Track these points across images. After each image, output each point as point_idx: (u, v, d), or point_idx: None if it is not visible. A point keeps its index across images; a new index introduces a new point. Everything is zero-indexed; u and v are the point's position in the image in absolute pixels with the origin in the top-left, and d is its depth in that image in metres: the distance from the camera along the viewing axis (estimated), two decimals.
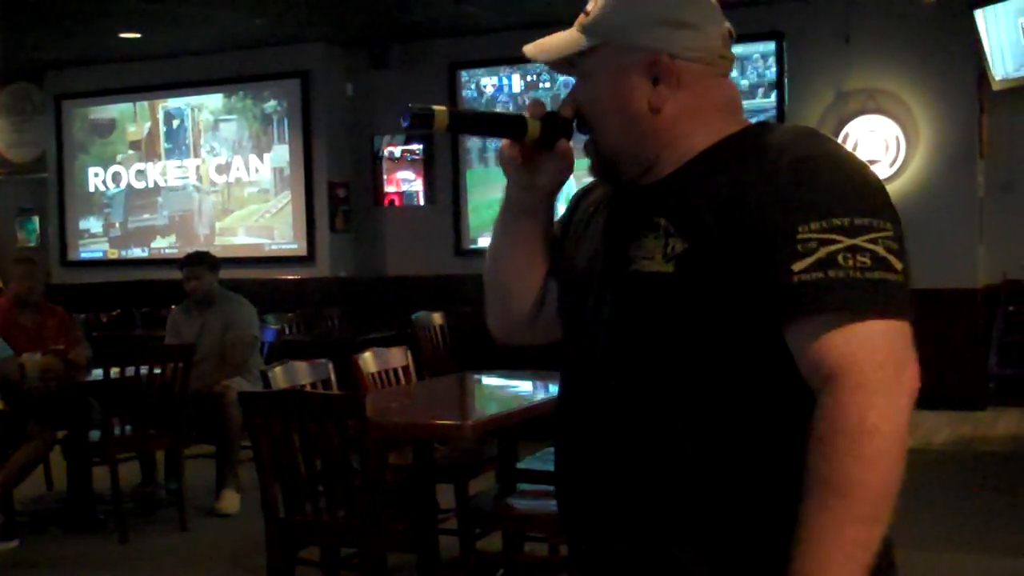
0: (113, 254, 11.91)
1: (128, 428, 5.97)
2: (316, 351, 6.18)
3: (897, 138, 9.21)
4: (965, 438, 8.02)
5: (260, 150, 11.14)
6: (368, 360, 4.89)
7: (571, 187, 1.81)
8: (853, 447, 1.34)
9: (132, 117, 11.76)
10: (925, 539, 5.34)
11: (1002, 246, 9.30)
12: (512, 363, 5.71)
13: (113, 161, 11.86)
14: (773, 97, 9.44)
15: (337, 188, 10.90)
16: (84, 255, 12.06)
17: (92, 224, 12.01)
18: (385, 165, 10.90)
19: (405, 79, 10.61)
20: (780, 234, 1.41)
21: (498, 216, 1.80)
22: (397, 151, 10.84)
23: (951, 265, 8.95)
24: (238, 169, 11.24)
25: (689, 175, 1.56)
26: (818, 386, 1.39)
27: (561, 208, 1.82)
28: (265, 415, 3.98)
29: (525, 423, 4.28)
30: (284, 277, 10.76)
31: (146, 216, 11.69)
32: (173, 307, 7.14)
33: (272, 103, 11.04)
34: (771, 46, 9.45)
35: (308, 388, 4.53)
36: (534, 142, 1.66)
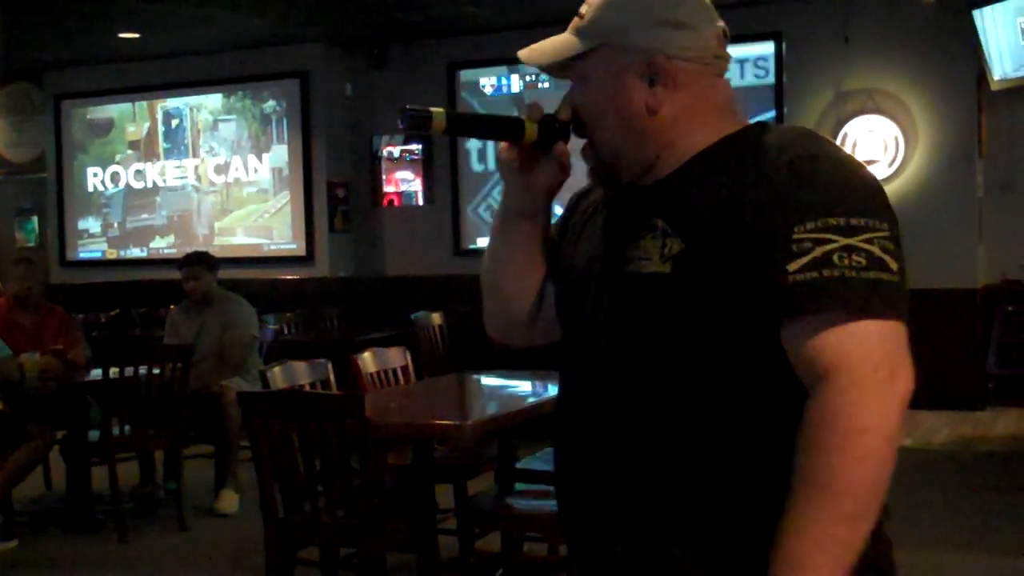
0: (112, 254, 11.90)
1: (127, 428, 5.97)
2: (315, 351, 6.18)
3: (896, 138, 9.21)
4: (964, 438, 8.02)
5: (259, 150, 11.14)
6: (367, 360, 4.90)
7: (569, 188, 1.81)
8: (843, 445, 1.35)
9: (131, 117, 11.75)
10: (924, 539, 5.34)
11: (1001, 246, 9.30)
12: (511, 363, 5.72)
13: (112, 161, 11.85)
14: (772, 97, 9.44)
15: (336, 188, 10.90)
16: (83, 255, 12.05)
17: (91, 224, 12.00)
18: (384, 165, 10.90)
19: (404, 79, 10.61)
20: (776, 234, 1.42)
21: (496, 218, 1.80)
22: (396, 151, 10.84)
23: (950, 265, 8.95)
24: (237, 169, 11.23)
25: (687, 176, 1.56)
26: (811, 384, 1.39)
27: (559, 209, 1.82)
28: (264, 415, 3.98)
29: (524, 423, 4.28)
30: (283, 277, 10.75)
31: (145, 216, 11.69)
32: (172, 307, 7.13)
33: (271, 103, 11.04)
34: (770, 46, 9.45)
35: (307, 388, 4.53)
36: (531, 145, 1.66)
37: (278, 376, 4.47)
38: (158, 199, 11.62)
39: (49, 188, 12.21)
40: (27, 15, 9.36)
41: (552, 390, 4.28)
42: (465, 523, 4.37)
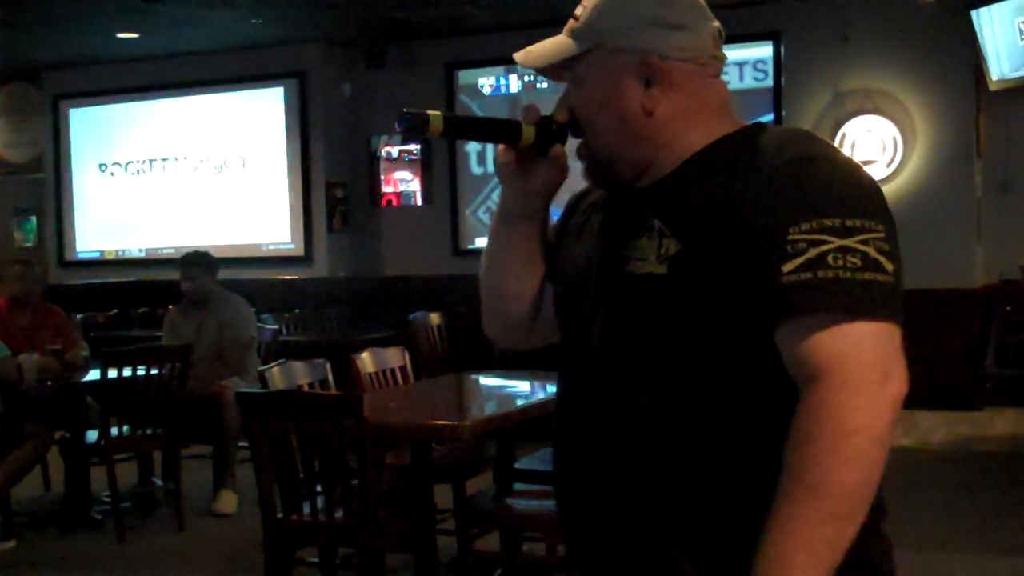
0: (110, 254, 11.91)
1: (125, 428, 5.97)
2: (313, 351, 6.19)
3: (894, 138, 9.22)
4: (962, 438, 8.03)
5: (257, 150, 11.13)
6: (366, 360, 4.90)
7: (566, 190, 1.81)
8: (832, 446, 1.34)
9: (129, 117, 11.75)
10: (921, 539, 5.35)
11: (999, 246, 9.31)
12: (510, 363, 5.73)
13: (110, 161, 11.85)
14: (771, 99, 9.45)
15: (334, 188, 10.90)
16: (81, 255, 12.06)
17: (89, 224, 12.00)
18: (382, 165, 10.91)
19: (402, 79, 10.61)
20: (771, 235, 1.42)
21: (493, 220, 1.80)
22: (394, 151, 10.85)
23: (948, 265, 8.96)
24: (235, 169, 11.23)
25: (684, 176, 1.56)
26: (804, 385, 1.39)
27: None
28: (263, 415, 3.98)
29: (523, 423, 4.29)
30: (281, 277, 10.75)
31: (143, 216, 11.68)
32: (170, 307, 7.13)
33: (270, 103, 11.03)
34: (768, 46, 9.45)
35: (306, 388, 4.53)
36: (528, 147, 1.66)
37: (276, 376, 4.47)
38: (156, 199, 11.61)
39: (47, 188, 12.21)
40: (25, 15, 9.36)
41: (550, 390, 4.28)
42: (464, 523, 4.37)
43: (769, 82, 9.49)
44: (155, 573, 5.42)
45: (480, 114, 10.10)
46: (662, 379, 1.50)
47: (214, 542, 5.80)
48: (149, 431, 5.99)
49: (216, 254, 7.05)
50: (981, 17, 8.32)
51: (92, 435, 6.00)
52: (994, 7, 8.23)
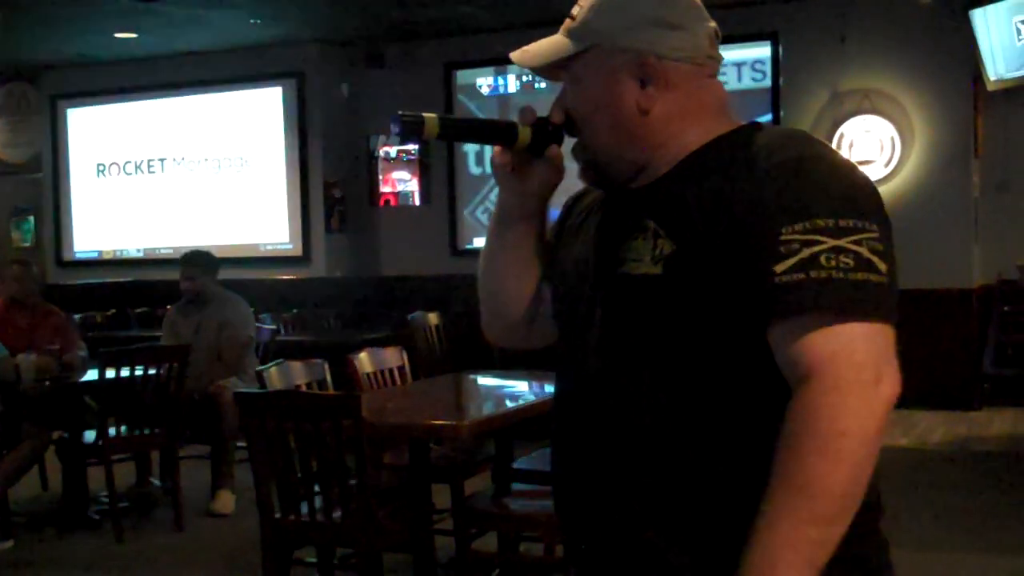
0: (108, 254, 11.91)
1: (123, 428, 5.97)
2: (311, 351, 6.19)
3: (892, 138, 9.23)
4: (960, 438, 8.04)
5: (256, 150, 11.13)
6: (364, 360, 4.89)
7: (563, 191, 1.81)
8: (821, 447, 1.34)
9: (128, 117, 11.75)
10: (919, 538, 5.35)
11: (997, 246, 9.32)
12: (508, 363, 5.73)
13: (108, 161, 11.85)
14: (769, 99, 9.45)
15: (333, 188, 10.91)
16: (79, 255, 12.06)
17: (87, 224, 12.00)
18: (381, 165, 10.91)
19: (401, 79, 10.61)
20: (764, 235, 1.41)
21: (491, 222, 1.81)
22: (393, 151, 10.85)
23: (946, 265, 8.97)
24: (234, 169, 11.24)
25: (679, 177, 1.56)
26: (795, 385, 1.38)
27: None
28: (261, 415, 3.98)
29: (521, 423, 4.29)
30: (279, 277, 10.75)
31: (141, 216, 11.69)
32: (168, 307, 7.13)
33: (268, 103, 11.03)
34: (767, 46, 9.46)
35: (304, 388, 4.53)
36: (524, 148, 1.66)
37: (275, 376, 4.47)
38: (154, 199, 11.62)
39: (45, 188, 12.21)
40: (23, 15, 9.36)
41: (548, 390, 4.29)
42: (462, 523, 4.37)
43: (767, 82, 9.49)
44: (153, 573, 5.42)
45: (478, 114, 10.11)
46: (658, 379, 1.50)
47: (212, 542, 5.79)
48: (147, 431, 5.99)
49: (214, 254, 7.05)
50: (979, 17, 8.32)
51: (90, 435, 6.00)
52: (992, 7, 8.24)
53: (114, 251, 11.88)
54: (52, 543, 5.91)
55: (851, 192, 1.45)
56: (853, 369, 1.35)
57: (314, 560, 4.49)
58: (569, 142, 1.67)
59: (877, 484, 1.45)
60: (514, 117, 1.68)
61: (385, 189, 10.92)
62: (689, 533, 1.49)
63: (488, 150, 1.73)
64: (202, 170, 11.39)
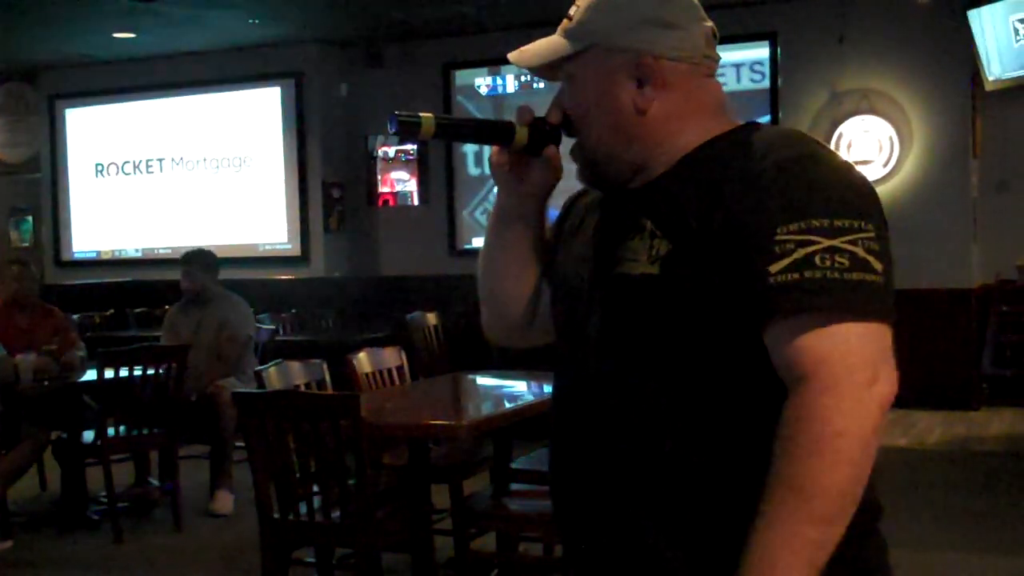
0: (107, 254, 11.90)
1: (122, 429, 5.97)
2: (310, 351, 6.19)
3: (891, 138, 9.23)
4: (959, 438, 8.04)
5: (254, 150, 11.13)
6: (362, 360, 4.89)
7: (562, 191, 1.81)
8: (817, 448, 1.34)
9: (126, 117, 11.75)
10: (919, 539, 5.35)
11: (996, 246, 9.32)
12: (507, 363, 5.72)
13: (107, 161, 11.85)
14: (767, 98, 9.46)
15: (331, 188, 10.91)
16: (78, 255, 12.06)
17: (86, 224, 12.00)
18: (379, 165, 10.90)
19: (399, 79, 10.61)
20: (759, 235, 1.41)
21: (490, 221, 1.81)
22: (391, 151, 10.84)
23: (945, 265, 8.98)
24: (232, 169, 11.23)
25: (676, 176, 1.56)
26: (791, 386, 1.38)
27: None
28: (259, 415, 3.98)
29: (520, 423, 4.28)
30: (278, 277, 10.75)
31: (140, 216, 11.68)
32: (166, 307, 7.14)
33: (266, 103, 11.03)
34: (765, 48, 9.46)
35: (302, 388, 4.53)
36: (522, 148, 1.66)
37: (273, 376, 4.47)
38: (152, 199, 11.61)
39: (44, 188, 12.21)
40: (22, 15, 9.36)
41: (547, 390, 4.28)
42: (461, 523, 4.37)
43: (766, 83, 9.49)
44: (152, 573, 5.42)
45: (477, 114, 10.11)
46: (656, 379, 1.50)
47: (211, 542, 5.79)
48: (146, 431, 5.98)
49: (215, 254, 7.05)
50: (977, 17, 8.32)
51: (89, 435, 6.00)
52: (990, 7, 8.24)
53: (113, 251, 11.87)
54: (51, 543, 5.91)
55: (847, 192, 1.45)
56: (848, 369, 1.35)
57: (313, 560, 4.49)
58: (568, 142, 1.67)
59: (875, 484, 1.45)
60: (511, 117, 1.68)
61: (384, 189, 10.91)
62: (686, 532, 1.49)
63: (487, 151, 1.73)
64: (201, 170, 11.39)
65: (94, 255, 11.96)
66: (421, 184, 10.79)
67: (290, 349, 7.04)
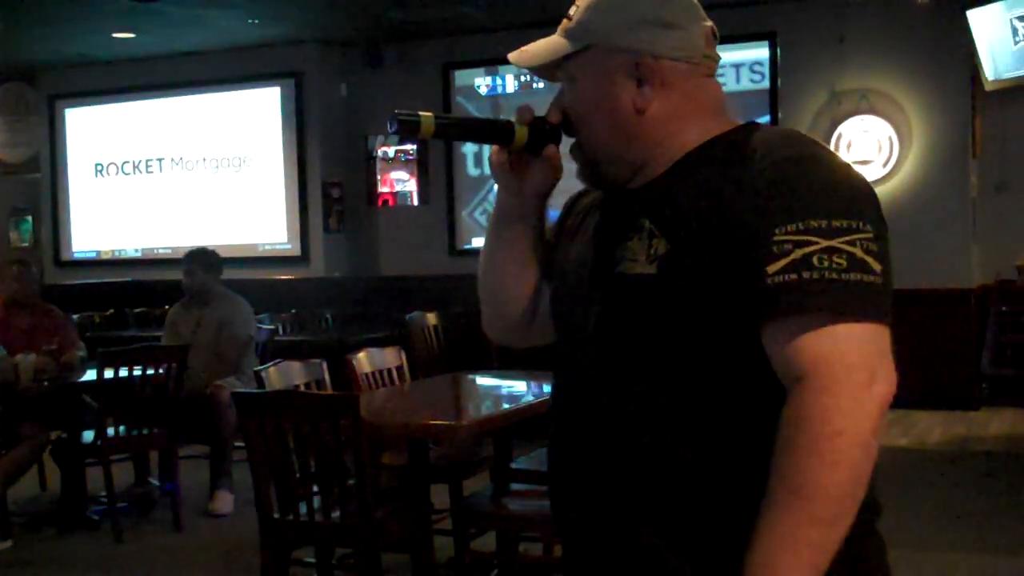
0: (107, 254, 11.91)
1: (122, 429, 5.97)
2: (310, 351, 6.19)
3: (890, 138, 9.23)
4: (959, 438, 8.04)
5: (254, 150, 11.13)
6: (362, 360, 4.89)
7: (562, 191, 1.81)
8: (815, 449, 1.34)
9: (125, 117, 11.75)
10: (919, 539, 5.35)
11: (995, 246, 9.32)
12: (507, 363, 5.73)
13: (106, 161, 11.85)
14: (767, 99, 9.46)
15: (331, 188, 10.91)
16: (78, 255, 12.06)
17: (85, 224, 12.00)
18: (379, 165, 10.91)
19: (399, 79, 10.62)
20: (757, 236, 1.41)
21: (490, 221, 1.81)
22: (391, 151, 10.85)
23: (944, 265, 8.98)
24: (232, 169, 11.23)
25: (675, 176, 1.56)
26: (789, 387, 1.38)
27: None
28: (259, 415, 3.98)
29: (519, 423, 4.28)
30: (278, 277, 10.75)
31: (139, 216, 11.68)
32: (166, 307, 7.14)
33: (266, 103, 11.03)
34: (765, 48, 9.46)
35: (302, 388, 4.53)
36: (521, 148, 1.66)
37: (273, 376, 4.47)
38: (152, 199, 11.61)
39: (43, 188, 12.21)
40: (21, 15, 9.35)
41: (547, 390, 4.28)
42: (460, 523, 4.37)
43: (766, 83, 9.50)
44: (152, 573, 5.42)
45: (476, 114, 10.10)
46: (654, 379, 1.50)
47: (211, 542, 5.79)
48: (146, 431, 5.98)
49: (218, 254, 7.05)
50: (976, 17, 8.32)
51: (89, 435, 6.00)
52: (989, 7, 8.24)
53: (112, 251, 11.87)
54: (51, 543, 5.91)
55: (846, 192, 1.45)
56: (846, 370, 1.35)
57: (313, 560, 4.49)
58: (568, 142, 1.67)
59: (875, 484, 1.45)
60: (511, 117, 1.68)
61: (383, 189, 10.92)
62: (686, 532, 1.49)
63: (487, 151, 1.74)
64: (200, 170, 11.39)
65: (94, 255, 11.96)
66: (421, 184, 10.79)
67: (290, 349, 7.04)
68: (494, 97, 10.48)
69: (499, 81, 10.46)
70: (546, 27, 1.71)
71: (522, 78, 10.26)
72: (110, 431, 5.91)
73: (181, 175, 11.48)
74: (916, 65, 9.15)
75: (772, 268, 1.39)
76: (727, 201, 1.46)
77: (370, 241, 11.06)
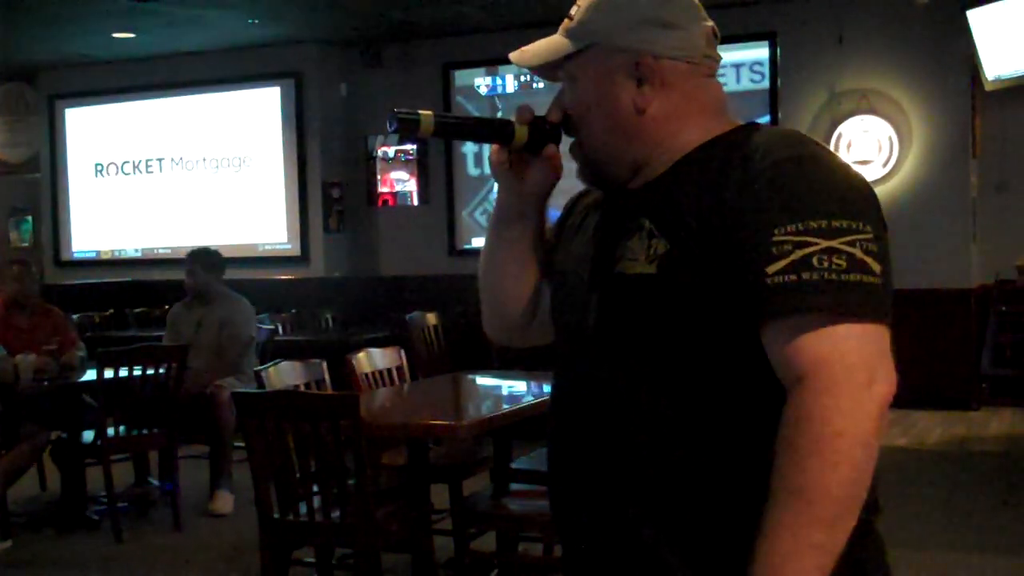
0: (107, 254, 11.91)
1: (122, 428, 5.97)
2: (310, 351, 6.18)
3: (890, 138, 9.23)
4: (958, 438, 8.04)
5: (254, 150, 11.13)
6: (362, 360, 4.89)
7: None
8: (816, 449, 1.33)
9: (125, 117, 11.75)
10: (918, 538, 5.35)
11: (995, 246, 9.32)
12: (506, 363, 5.73)
13: (106, 161, 11.85)
14: (767, 99, 9.46)
15: (331, 188, 10.91)
16: (78, 255, 12.06)
17: (85, 224, 12.00)
18: (379, 165, 10.91)
19: (399, 79, 10.62)
20: (757, 236, 1.41)
21: (490, 221, 1.81)
22: (391, 151, 10.85)
23: (944, 265, 8.98)
24: (232, 169, 11.23)
25: (675, 176, 1.56)
26: (790, 387, 1.38)
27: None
28: (259, 415, 3.98)
29: (519, 423, 4.29)
30: (278, 277, 10.75)
31: (139, 216, 11.68)
32: (166, 307, 7.14)
33: (266, 103, 11.03)
34: (765, 48, 9.46)
35: (302, 388, 4.53)
36: (521, 147, 1.66)
37: (273, 376, 4.47)
38: (152, 199, 11.61)
39: (43, 188, 12.21)
40: (21, 15, 9.35)
41: (547, 390, 4.28)
42: (460, 523, 4.37)
43: (766, 83, 9.50)
44: (152, 573, 5.42)
45: (476, 114, 10.10)
46: (654, 379, 1.50)
47: (211, 542, 5.79)
48: (145, 431, 5.98)
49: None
50: (976, 17, 8.32)
51: (89, 435, 6.00)
52: (989, 7, 8.24)
53: (112, 251, 11.87)
54: (51, 543, 5.91)
55: (846, 193, 1.45)
56: (846, 370, 1.35)
57: (313, 560, 4.49)
58: (567, 141, 1.67)
59: (875, 484, 1.44)
60: (511, 116, 1.68)
61: (383, 189, 10.92)
62: (685, 533, 1.49)
63: (487, 151, 1.74)
64: (200, 170, 11.39)
65: (94, 255, 11.96)
66: (421, 184, 10.79)
67: (290, 349, 7.04)
68: (494, 97, 10.48)
69: (499, 81, 10.46)
70: (546, 27, 1.71)
71: (522, 78, 10.26)
72: (110, 431, 5.91)
73: (181, 175, 11.49)
74: (916, 65, 9.15)
75: (772, 269, 1.39)
76: (727, 201, 1.45)
77: (370, 241, 11.06)
